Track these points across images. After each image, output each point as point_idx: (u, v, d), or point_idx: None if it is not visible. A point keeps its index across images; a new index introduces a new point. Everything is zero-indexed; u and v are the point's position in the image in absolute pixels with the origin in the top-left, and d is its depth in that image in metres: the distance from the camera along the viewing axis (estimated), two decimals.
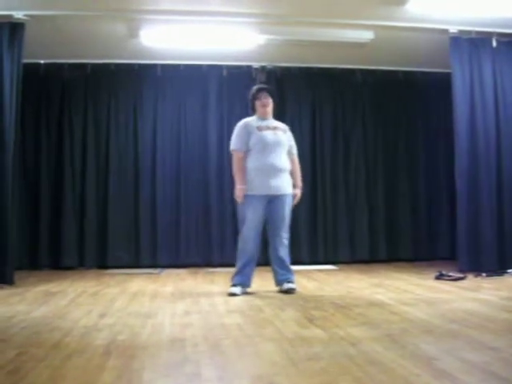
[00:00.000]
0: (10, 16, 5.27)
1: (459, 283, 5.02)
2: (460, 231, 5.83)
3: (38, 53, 6.38)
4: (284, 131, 4.71)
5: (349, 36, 6.12)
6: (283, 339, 2.83)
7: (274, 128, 4.63)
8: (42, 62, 6.78)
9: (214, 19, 5.66)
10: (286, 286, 4.49)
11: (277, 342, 2.76)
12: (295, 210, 6.89)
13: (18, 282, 5.23)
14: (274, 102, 4.73)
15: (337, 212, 7.29)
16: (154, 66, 7.00)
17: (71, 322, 3.38)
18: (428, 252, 7.38)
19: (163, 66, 7.01)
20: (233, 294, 4.38)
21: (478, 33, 5.91)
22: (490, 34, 5.93)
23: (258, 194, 4.48)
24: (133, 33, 5.98)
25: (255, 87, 4.79)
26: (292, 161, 4.74)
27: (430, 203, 7.50)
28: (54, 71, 6.87)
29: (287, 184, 4.61)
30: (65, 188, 6.87)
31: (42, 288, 5.02)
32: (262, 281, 4.90)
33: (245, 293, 4.47)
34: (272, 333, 3.01)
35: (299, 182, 4.79)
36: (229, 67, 7.09)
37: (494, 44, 5.94)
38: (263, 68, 7.13)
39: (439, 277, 5.31)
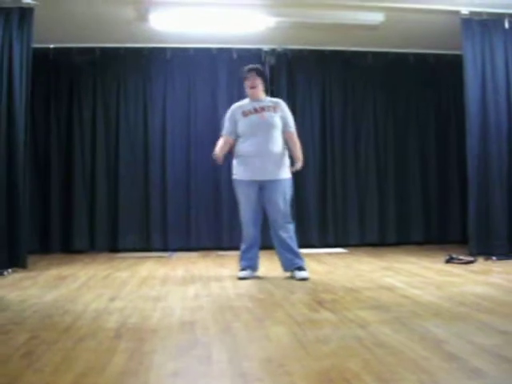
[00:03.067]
0: (19, 1, 5.26)
1: (469, 267, 5.01)
2: (470, 215, 5.82)
3: (47, 37, 6.37)
4: (274, 109, 4.49)
5: (359, 18, 6.06)
6: (293, 322, 2.84)
7: (261, 109, 4.46)
8: (51, 46, 6.78)
9: (223, 2, 5.64)
10: (299, 274, 4.34)
11: (286, 325, 2.77)
12: (304, 192, 7.00)
13: (30, 265, 5.26)
14: (264, 81, 4.60)
15: (347, 195, 7.28)
16: (164, 49, 6.97)
17: (82, 305, 3.41)
18: (438, 235, 7.36)
19: (172, 49, 6.99)
20: (242, 278, 4.38)
21: (489, 14, 5.84)
22: (501, 16, 5.86)
23: (246, 179, 4.44)
24: (142, 16, 5.96)
25: (245, 68, 4.65)
26: (288, 137, 4.53)
27: (441, 186, 7.46)
28: (64, 55, 6.87)
29: (278, 168, 4.42)
30: (75, 172, 6.90)
31: (53, 272, 5.06)
32: (272, 264, 4.91)
33: (254, 276, 4.47)
34: (281, 316, 3.02)
35: (299, 155, 4.52)
36: (238, 50, 7.05)
37: (507, 25, 5.87)
38: (273, 51, 7.09)
39: (449, 260, 5.31)
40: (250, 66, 4.68)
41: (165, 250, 6.82)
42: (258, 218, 4.52)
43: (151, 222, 6.97)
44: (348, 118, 7.36)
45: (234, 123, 4.51)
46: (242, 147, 4.47)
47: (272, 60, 7.09)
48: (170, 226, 6.97)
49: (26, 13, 5.28)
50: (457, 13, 5.78)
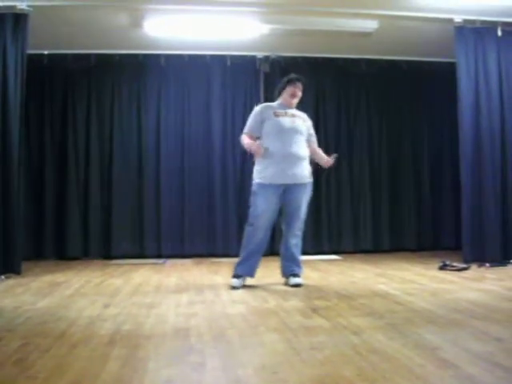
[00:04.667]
0: (14, 7, 5.26)
1: (463, 273, 5.02)
2: (464, 221, 5.83)
3: (41, 43, 6.37)
4: (304, 120, 4.53)
5: (353, 25, 6.09)
6: (287, 329, 2.84)
7: (293, 115, 4.46)
8: (45, 52, 6.78)
9: (217, 9, 5.64)
10: (292, 280, 4.35)
11: (280, 332, 2.77)
12: None
13: (24, 272, 5.25)
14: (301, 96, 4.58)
15: (341, 202, 7.30)
16: (158, 56, 6.99)
17: (76, 312, 3.39)
18: (432, 242, 7.39)
19: (167, 56, 7.01)
20: (235, 288, 4.26)
21: (482, 22, 5.89)
22: (494, 24, 5.90)
23: (273, 183, 4.31)
24: (136, 23, 5.97)
25: (293, 75, 4.58)
26: (313, 149, 4.60)
27: (435, 193, 7.49)
28: (58, 62, 6.87)
29: (305, 172, 4.42)
30: (69, 179, 6.89)
31: (47, 278, 5.04)
32: (267, 271, 4.91)
33: (243, 285, 4.35)
34: (275, 323, 3.02)
35: (324, 159, 4.64)
36: (232, 57, 7.07)
37: (500, 33, 5.91)
38: (267, 58, 7.11)
39: (443, 267, 5.32)
40: (300, 77, 4.56)
41: (159, 256, 6.81)
42: (271, 225, 4.42)
43: (145, 228, 6.96)
44: (341, 125, 7.39)
45: (261, 122, 4.42)
46: (272, 149, 4.32)
47: (266, 67, 7.11)
48: (163, 233, 6.96)
49: (20, 19, 5.28)
50: (450, 21, 5.82)
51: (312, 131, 4.65)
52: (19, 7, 5.27)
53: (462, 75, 5.85)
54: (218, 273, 5.39)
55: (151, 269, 5.79)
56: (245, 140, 4.43)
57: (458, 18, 5.82)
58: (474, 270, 5.22)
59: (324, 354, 2.35)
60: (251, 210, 4.39)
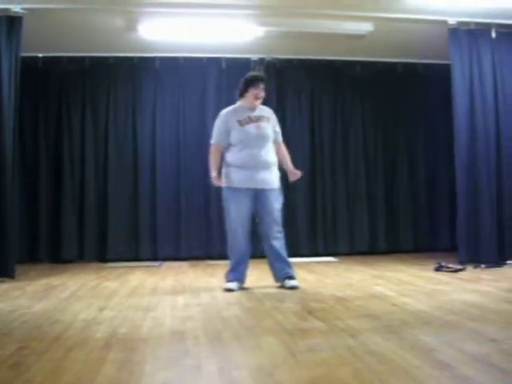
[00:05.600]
0: (8, 10, 5.25)
1: (459, 275, 5.03)
2: (459, 223, 5.84)
3: (36, 46, 6.35)
4: (268, 119, 4.44)
5: (348, 28, 6.10)
6: (283, 331, 2.84)
7: (257, 119, 4.37)
8: (40, 55, 6.77)
9: (212, 11, 5.64)
10: (288, 283, 4.31)
11: (276, 334, 2.76)
12: (294, 201, 6.99)
13: (19, 275, 5.23)
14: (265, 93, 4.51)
15: (336, 204, 7.30)
16: (153, 58, 6.99)
17: (72, 315, 3.38)
18: (428, 243, 7.39)
19: (162, 58, 7.01)
20: (229, 290, 4.25)
21: (477, 24, 5.90)
22: (489, 25, 5.92)
23: (242, 186, 4.30)
24: (131, 26, 5.97)
25: (254, 74, 4.54)
26: (279, 147, 4.55)
27: (430, 194, 7.51)
28: (53, 64, 6.86)
29: (274, 178, 4.40)
30: (64, 182, 6.88)
31: (42, 281, 5.03)
32: (261, 273, 4.90)
33: (241, 288, 4.35)
34: (271, 325, 3.01)
35: (290, 166, 4.56)
36: (228, 59, 7.08)
37: (494, 35, 5.93)
38: (262, 60, 7.12)
39: (438, 268, 5.32)
40: (261, 75, 4.53)
41: (154, 259, 6.80)
42: (248, 228, 4.39)
43: (140, 231, 6.95)
44: (337, 127, 7.40)
45: (227, 132, 4.38)
46: (238, 157, 4.33)
47: (261, 69, 7.10)
48: (159, 236, 6.95)
49: (14, 21, 5.27)
50: (444, 23, 5.83)
51: (277, 128, 4.57)
52: (13, 10, 5.26)
53: (457, 77, 5.86)
54: (213, 275, 5.38)
55: (147, 271, 5.79)
56: (211, 159, 4.46)
57: (451, 20, 5.83)
58: (470, 271, 5.23)
59: (320, 356, 2.35)
60: (225, 215, 4.43)
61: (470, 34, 5.91)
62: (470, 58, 5.91)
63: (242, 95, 4.45)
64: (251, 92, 4.39)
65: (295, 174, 4.56)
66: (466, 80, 5.89)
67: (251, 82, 4.40)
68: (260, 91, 4.40)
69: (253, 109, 4.42)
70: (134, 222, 6.97)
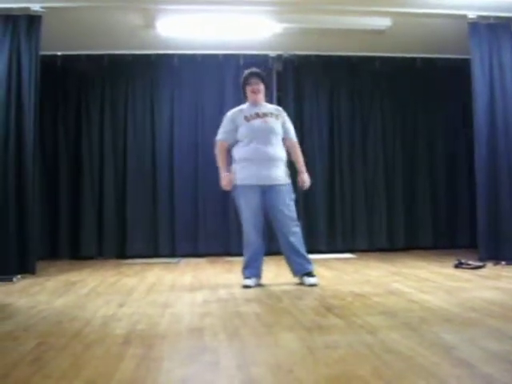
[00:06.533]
0: (28, 9, 5.30)
1: (478, 272, 4.98)
2: (479, 219, 5.78)
3: (55, 45, 6.39)
4: (276, 116, 4.47)
5: (366, 23, 6.07)
6: (301, 328, 2.83)
7: (264, 115, 4.40)
8: (59, 53, 6.81)
9: (230, 8, 5.64)
10: (308, 281, 4.28)
11: (295, 331, 2.76)
12: (313, 197, 6.97)
13: (39, 271, 5.29)
14: (266, 87, 4.56)
15: (355, 200, 7.27)
16: (171, 56, 7.00)
17: (91, 311, 3.41)
18: (447, 240, 7.34)
19: (180, 56, 7.01)
20: (247, 286, 4.25)
21: (496, 18, 5.83)
22: (509, 19, 5.84)
23: (250, 183, 4.30)
24: (149, 23, 5.99)
25: (246, 72, 4.57)
26: (290, 145, 4.54)
27: (450, 191, 7.44)
28: (72, 63, 6.90)
29: (281, 173, 4.36)
30: (83, 179, 6.94)
31: (62, 278, 5.08)
32: (279, 270, 4.90)
33: (258, 284, 4.36)
34: (290, 322, 3.01)
35: (302, 168, 4.54)
36: (245, 56, 7.06)
37: None
38: (280, 57, 7.11)
39: (458, 265, 5.27)
40: (252, 70, 4.58)
41: (173, 256, 6.82)
42: (261, 224, 4.38)
43: (159, 228, 6.98)
44: (356, 123, 7.36)
45: (235, 128, 4.42)
46: (245, 151, 4.36)
47: (279, 66, 7.12)
48: (177, 232, 6.97)
49: (34, 20, 5.32)
50: (464, 17, 5.77)
51: (288, 125, 4.57)
52: (33, 9, 5.30)
53: (477, 71, 5.80)
54: (232, 271, 5.38)
55: (165, 268, 5.81)
56: (218, 158, 4.51)
57: (471, 14, 5.77)
58: (490, 268, 5.18)
59: (339, 353, 2.34)
60: (239, 213, 4.45)
61: (490, 28, 5.84)
62: (490, 52, 5.84)
63: (245, 96, 4.57)
64: (247, 89, 4.50)
65: (303, 182, 4.52)
66: (486, 75, 5.82)
67: (244, 81, 4.54)
68: (254, 85, 4.46)
69: (259, 105, 4.47)
70: (152, 219, 7.00)
